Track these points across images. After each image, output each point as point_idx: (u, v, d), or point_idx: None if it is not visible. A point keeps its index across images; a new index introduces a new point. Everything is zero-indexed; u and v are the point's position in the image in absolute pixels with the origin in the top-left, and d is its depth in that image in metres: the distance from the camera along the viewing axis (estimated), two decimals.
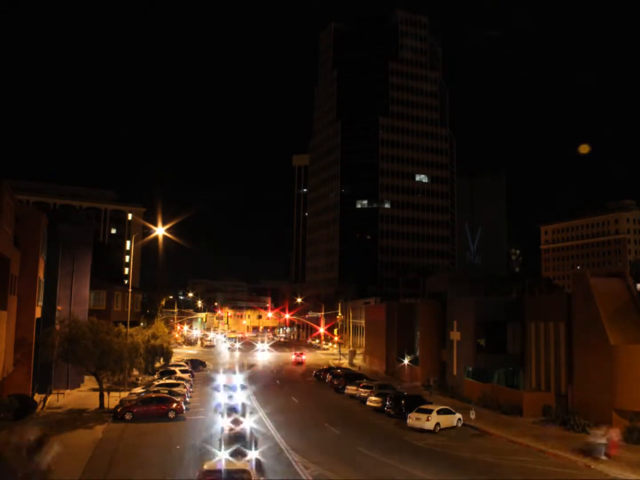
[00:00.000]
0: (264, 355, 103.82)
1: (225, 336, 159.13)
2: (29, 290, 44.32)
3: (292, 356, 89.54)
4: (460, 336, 54.57)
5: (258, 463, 27.14)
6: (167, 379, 53.09)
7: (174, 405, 40.60)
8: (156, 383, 50.08)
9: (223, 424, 32.47)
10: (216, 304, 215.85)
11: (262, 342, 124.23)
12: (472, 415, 40.12)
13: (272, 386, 61.16)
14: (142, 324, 78.69)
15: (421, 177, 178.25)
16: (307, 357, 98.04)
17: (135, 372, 60.05)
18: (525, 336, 49.95)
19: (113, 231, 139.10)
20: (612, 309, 40.76)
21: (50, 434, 29.12)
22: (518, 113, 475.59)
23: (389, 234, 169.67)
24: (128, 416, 39.11)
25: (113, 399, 44.33)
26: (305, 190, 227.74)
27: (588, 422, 38.28)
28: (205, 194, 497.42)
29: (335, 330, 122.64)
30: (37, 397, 43.49)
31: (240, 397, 44.69)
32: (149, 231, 58.45)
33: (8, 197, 38.63)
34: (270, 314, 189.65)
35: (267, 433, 36.29)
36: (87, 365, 43.86)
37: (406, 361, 67.03)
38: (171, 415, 40.08)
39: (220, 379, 57.38)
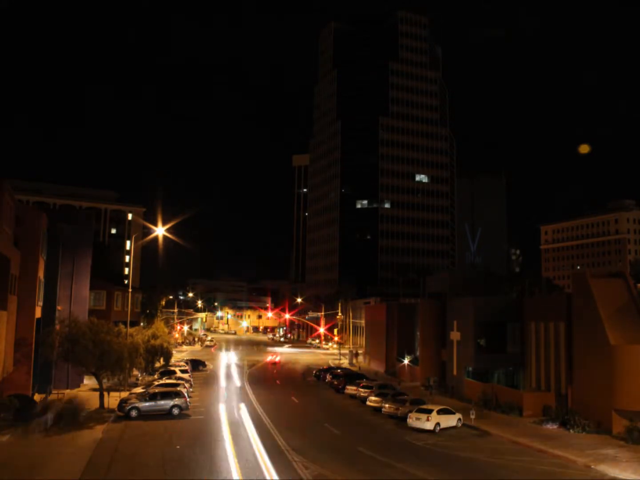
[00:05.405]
0: (265, 355, 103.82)
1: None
2: (29, 290, 44.23)
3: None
4: (460, 336, 54.55)
5: None
6: (167, 379, 53.04)
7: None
8: (156, 383, 50.02)
9: None
10: (216, 304, 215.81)
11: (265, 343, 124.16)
12: (472, 415, 40.11)
13: (273, 386, 61.17)
14: (142, 324, 78.64)
15: (421, 177, 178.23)
16: (308, 357, 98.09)
17: (135, 372, 60.00)
18: (525, 336, 49.94)
19: (113, 231, 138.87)
20: (612, 309, 40.72)
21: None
22: (518, 113, 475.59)
23: (389, 234, 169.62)
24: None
25: (113, 399, 44.32)
26: (305, 190, 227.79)
27: (588, 422, 38.34)
28: (205, 194, 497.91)
29: (335, 330, 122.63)
30: (37, 397, 43.45)
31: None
32: (149, 231, 58.34)
33: (8, 197, 38.61)
34: (270, 314, 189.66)
35: (266, 431, 36.29)
36: (87, 365, 43.79)
37: (406, 361, 67.01)
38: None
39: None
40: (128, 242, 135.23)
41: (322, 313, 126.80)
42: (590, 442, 35.18)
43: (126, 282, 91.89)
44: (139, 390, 47.69)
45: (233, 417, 42.22)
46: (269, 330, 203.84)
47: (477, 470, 29.18)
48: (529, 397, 44.82)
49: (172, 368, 60.96)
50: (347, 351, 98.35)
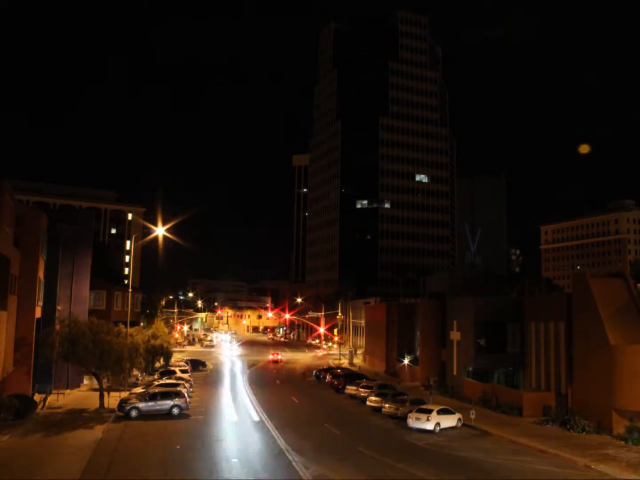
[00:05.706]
0: (265, 355, 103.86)
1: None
2: (29, 290, 44.25)
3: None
4: (460, 336, 54.55)
5: None
6: (167, 379, 53.07)
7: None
8: (156, 383, 50.04)
9: None
10: (216, 304, 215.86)
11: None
12: (472, 415, 40.09)
13: (273, 386, 61.19)
14: (142, 324, 78.63)
15: (421, 177, 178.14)
16: (307, 357, 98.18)
17: (135, 372, 60.02)
18: (525, 336, 49.94)
19: (113, 231, 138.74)
20: (612, 309, 40.72)
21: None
22: (518, 113, 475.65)
23: (389, 234, 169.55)
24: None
25: (113, 399, 44.32)
26: (305, 190, 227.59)
27: (588, 422, 38.32)
28: (205, 194, 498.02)
29: (335, 330, 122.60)
30: (37, 397, 43.46)
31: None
32: (149, 231, 58.40)
33: (8, 197, 38.62)
34: (270, 314, 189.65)
35: (266, 431, 36.29)
36: (87, 365, 43.83)
37: (406, 361, 67.01)
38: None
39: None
40: (128, 242, 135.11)
41: (322, 313, 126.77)
42: (590, 442, 35.18)
43: (126, 282, 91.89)
44: (139, 390, 47.69)
45: (233, 416, 42.23)
46: (269, 330, 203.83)
47: (477, 470, 29.17)
48: (529, 397, 44.82)
49: (172, 368, 61.00)
50: (347, 351, 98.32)
